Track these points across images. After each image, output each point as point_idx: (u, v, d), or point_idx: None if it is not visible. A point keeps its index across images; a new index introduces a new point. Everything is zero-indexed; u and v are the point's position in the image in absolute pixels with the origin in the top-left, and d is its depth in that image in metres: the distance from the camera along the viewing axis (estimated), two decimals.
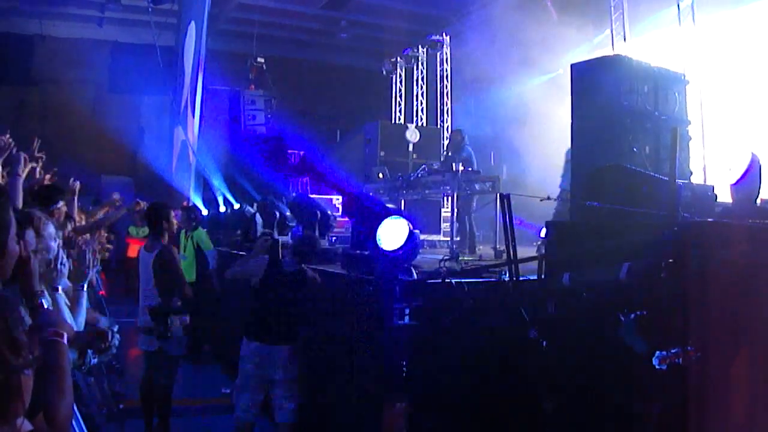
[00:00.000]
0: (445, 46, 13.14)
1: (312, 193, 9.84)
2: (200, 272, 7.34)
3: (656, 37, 8.60)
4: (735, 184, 3.62)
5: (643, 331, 2.65)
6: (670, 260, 2.67)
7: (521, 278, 3.52)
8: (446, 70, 13.28)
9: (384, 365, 3.67)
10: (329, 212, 6.56)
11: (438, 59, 13.35)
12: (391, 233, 3.81)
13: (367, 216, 4.15)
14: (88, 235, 4.18)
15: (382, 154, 10.51)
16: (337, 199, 9.28)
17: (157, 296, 4.60)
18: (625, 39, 8.45)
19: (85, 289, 2.85)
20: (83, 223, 5.04)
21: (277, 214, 7.36)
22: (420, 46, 13.62)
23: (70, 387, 1.58)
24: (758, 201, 3.65)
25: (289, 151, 11.87)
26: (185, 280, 4.93)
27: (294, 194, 9.71)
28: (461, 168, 7.06)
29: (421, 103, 13.84)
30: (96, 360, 2.69)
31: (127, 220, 10.52)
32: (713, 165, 6.83)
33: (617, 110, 4.37)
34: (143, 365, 5.11)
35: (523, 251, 3.79)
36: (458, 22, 13.02)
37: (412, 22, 13.96)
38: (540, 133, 8.71)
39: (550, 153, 7.44)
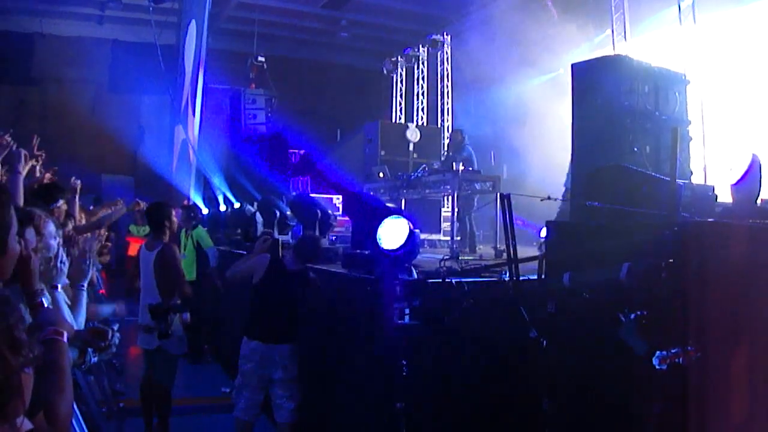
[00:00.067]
0: (445, 45, 13.15)
1: (312, 193, 9.82)
2: (200, 271, 7.34)
3: (657, 36, 8.59)
4: (735, 184, 3.63)
5: (643, 331, 2.65)
6: (670, 260, 2.67)
7: (521, 278, 3.51)
8: (446, 70, 13.28)
9: (384, 365, 3.67)
10: (329, 211, 6.55)
11: (438, 59, 13.36)
12: (392, 233, 3.81)
13: (367, 215, 4.14)
14: (88, 234, 4.18)
15: (383, 153, 10.51)
16: (337, 199, 9.26)
17: (158, 295, 4.61)
18: (625, 39, 8.45)
19: (85, 287, 2.85)
20: (84, 222, 5.04)
21: (278, 213, 7.35)
22: (420, 46, 13.63)
23: (70, 385, 1.59)
24: (758, 201, 3.66)
25: (290, 150, 11.87)
26: (185, 279, 4.93)
27: (294, 193, 9.71)
28: (461, 168, 7.07)
29: (422, 103, 13.84)
30: (96, 359, 2.69)
31: (128, 218, 10.51)
32: (714, 165, 6.82)
33: (618, 110, 4.37)
34: (143, 364, 5.11)
35: (523, 251, 3.78)
36: (458, 21, 13.02)
37: (413, 22, 13.98)
38: (540, 133, 8.69)
39: (550, 153, 7.42)
